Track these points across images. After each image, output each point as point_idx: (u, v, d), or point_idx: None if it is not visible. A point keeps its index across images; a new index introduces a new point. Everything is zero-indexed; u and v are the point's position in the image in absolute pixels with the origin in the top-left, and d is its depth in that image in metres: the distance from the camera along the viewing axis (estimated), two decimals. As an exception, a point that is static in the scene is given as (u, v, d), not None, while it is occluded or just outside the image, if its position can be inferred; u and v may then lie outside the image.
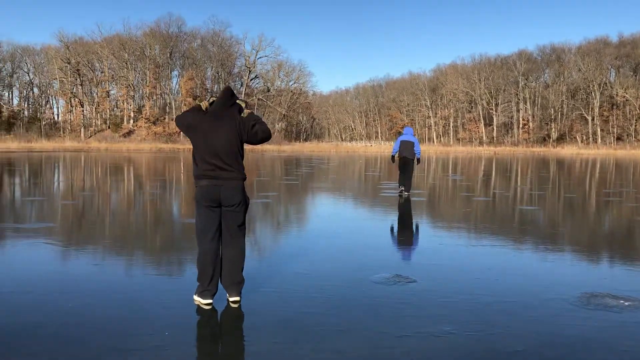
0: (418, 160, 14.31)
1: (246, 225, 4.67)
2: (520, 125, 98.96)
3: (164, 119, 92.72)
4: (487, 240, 7.78)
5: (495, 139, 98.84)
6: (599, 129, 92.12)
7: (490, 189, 17.50)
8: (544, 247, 7.40)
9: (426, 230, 8.98)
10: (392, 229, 8.96)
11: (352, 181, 20.84)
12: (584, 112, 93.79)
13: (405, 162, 14.17)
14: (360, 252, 6.77)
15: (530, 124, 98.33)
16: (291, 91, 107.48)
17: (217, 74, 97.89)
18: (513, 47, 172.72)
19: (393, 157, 14.85)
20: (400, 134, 15.08)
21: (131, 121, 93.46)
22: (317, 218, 10.51)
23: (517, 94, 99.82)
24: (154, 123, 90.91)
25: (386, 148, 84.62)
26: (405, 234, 8.57)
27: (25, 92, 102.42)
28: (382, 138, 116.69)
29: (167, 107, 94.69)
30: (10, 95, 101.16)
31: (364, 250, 6.89)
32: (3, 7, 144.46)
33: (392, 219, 10.39)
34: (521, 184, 19.81)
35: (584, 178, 23.54)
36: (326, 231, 8.51)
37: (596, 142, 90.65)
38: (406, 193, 14.17)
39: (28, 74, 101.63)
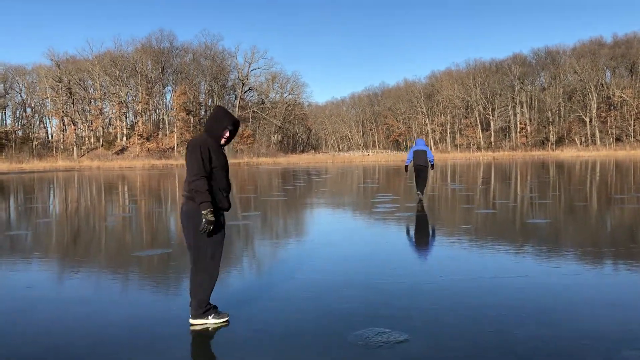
0: (432, 166, 15.69)
1: (200, 252, 4.56)
2: (518, 129, 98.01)
3: (158, 134, 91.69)
4: (495, 266, 6.54)
5: (493, 143, 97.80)
6: (597, 131, 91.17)
7: (494, 198, 16.28)
8: (577, 280, 6.15)
9: (423, 258, 7.71)
10: (381, 258, 7.69)
11: (345, 195, 19.61)
12: (581, 114, 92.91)
13: (420, 170, 15.45)
14: (340, 292, 5.52)
15: (528, 128, 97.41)
16: (286, 103, 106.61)
17: (211, 87, 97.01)
18: (507, 52, 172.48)
19: (406, 167, 16.20)
20: (413, 145, 15.91)
21: (124, 138, 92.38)
22: (296, 245, 9.20)
23: (513, 98, 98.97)
24: (147, 139, 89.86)
25: (384, 157, 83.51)
26: (398, 265, 7.25)
27: (18, 112, 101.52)
28: (379, 147, 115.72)
29: (161, 123, 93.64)
30: (4, 116, 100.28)
31: (345, 290, 5.63)
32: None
33: (383, 243, 9.12)
34: (524, 191, 18.58)
35: (587, 181, 22.30)
36: (304, 263, 7.24)
37: (595, 143, 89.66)
38: (421, 195, 15.55)
39: (20, 94, 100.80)
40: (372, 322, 4.48)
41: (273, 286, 5.87)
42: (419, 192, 15.57)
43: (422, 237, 9.59)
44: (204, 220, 4.35)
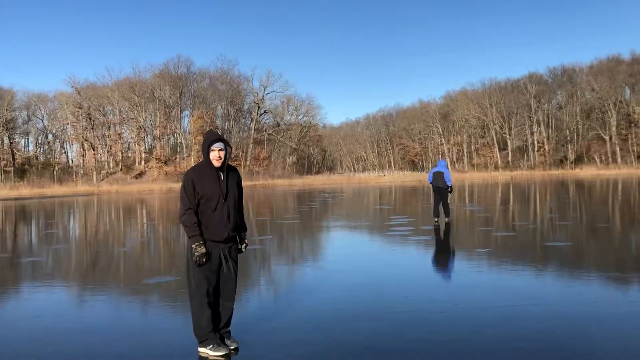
0: (450, 188, 15.59)
1: (188, 283, 4.59)
2: (536, 148, 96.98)
3: (175, 158, 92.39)
4: (514, 293, 6.27)
5: (510, 163, 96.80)
6: (617, 148, 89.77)
7: (513, 220, 15.94)
8: (600, 309, 5.87)
9: (438, 284, 7.43)
10: (394, 284, 7.44)
11: (359, 218, 19.37)
12: (600, 132, 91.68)
13: (439, 191, 15.54)
14: (350, 323, 5.29)
15: (546, 147, 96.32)
16: (301, 125, 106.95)
17: (227, 111, 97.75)
18: (523, 70, 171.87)
19: (431, 183, 15.99)
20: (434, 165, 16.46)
21: (143, 162, 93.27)
22: (307, 271, 8.98)
23: (530, 117, 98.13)
24: (165, 163, 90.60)
25: (399, 177, 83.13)
26: (411, 292, 6.97)
27: (40, 138, 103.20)
28: (395, 167, 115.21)
29: (178, 147, 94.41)
30: (26, 142, 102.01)
31: (355, 321, 5.39)
32: (17, 57, 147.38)
33: (396, 268, 8.87)
34: (544, 212, 18.18)
35: (609, 201, 21.78)
36: (314, 291, 7.03)
37: (616, 161, 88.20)
38: (446, 219, 15.51)
39: (42, 120, 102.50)
40: (382, 357, 4.25)
41: (280, 315, 5.67)
42: (436, 220, 15.28)
43: (437, 262, 9.33)
44: (195, 253, 4.38)
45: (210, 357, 4.41)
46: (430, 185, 15.90)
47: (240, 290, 7.07)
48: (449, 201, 15.90)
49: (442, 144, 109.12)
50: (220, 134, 4.63)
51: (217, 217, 4.44)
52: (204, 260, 4.37)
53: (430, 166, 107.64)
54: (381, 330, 5.01)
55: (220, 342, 4.53)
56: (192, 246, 4.38)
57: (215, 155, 4.46)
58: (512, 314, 5.43)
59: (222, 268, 4.55)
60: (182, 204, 4.43)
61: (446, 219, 15.51)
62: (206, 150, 4.48)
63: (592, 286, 6.70)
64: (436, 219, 15.29)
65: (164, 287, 7.47)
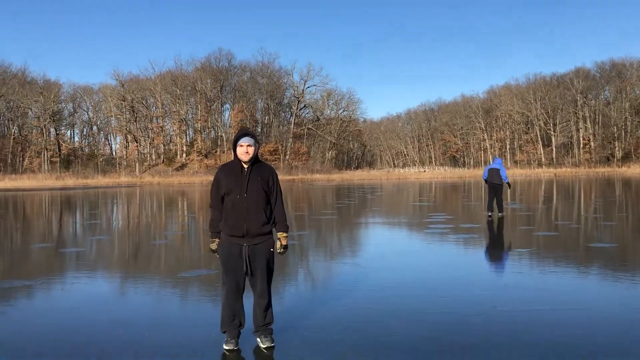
0: (508, 184, 16.59)
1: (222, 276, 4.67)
2: (581, 145, 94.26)
3: (216, 151, 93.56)
4: (555, 296, 6.08)
5: (554, 160, 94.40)
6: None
7: (555, 219, 15.52)
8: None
9: (475, 285, 7.25)
10: (430, 284, 7.31)
11: (398, 215, 19.21)
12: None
13: (494, 187, 16.07)
14: (385, 323, 5.22)
15: (592, 144, 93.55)
16: (341, 119, 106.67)
17: (267, 105, 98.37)
18: (569, 65, 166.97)
19: (486, 180, 16.55)
20: (488, 163, 17.01)
21: (184, 155, 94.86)
22: (343, 269, 8.92)
23: (575, 113, 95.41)
24: (206, 156, 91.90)
25: (440, 174, 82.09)
26: (448, 292, 6.84)
27: (85, 130, 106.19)
28: (436, 163, 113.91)
29: (219, 140, 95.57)
30: (72, 134, 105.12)
31: (390, 320, 5.33)
32: (64, 50, 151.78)
33: (433, 267, 8.74)
34: (589, 211, 17.64)
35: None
36: (349, 290, 6.98)
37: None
38: (500, 214, 15.92)
39: (87, 112, 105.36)
40: (415, 359, 4.18)
41: (313, 313, 5.64)
42: (490, 214, 15.90)
43: (476, 262, 9.14)
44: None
45: (224, 349, 4.55)
46: (485, 182, 16.55)
47: (278, 286, 7.08)
48: (502, 198, 16.41)
49: (484, 140, 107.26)
50: (250, 129, 4.63)
51: (236, 212, 4.46)
52: (217, 255, 4.61)
53: (472, 162, 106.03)
54: (415, 332, 4.93)
55: (234, 336, 4.58)
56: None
57: (243, 150, 4.48)
58: (552, 318, 5.27)
59: (244, 265, 4.53)
60: (210, 199, 4.65)
61: (499, 214, 15.96)
62: (235, 144, 4.53)
63: (637, 291, 6.44)
64: (490, 214, 15.89)
65: (203, 280, 7.55)
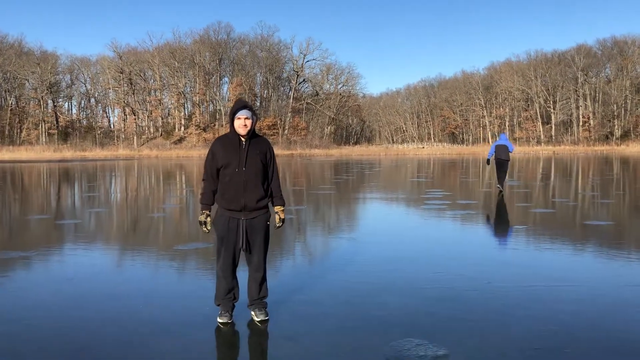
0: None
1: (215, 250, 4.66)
2: (581, 123, 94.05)
3: (214, 125, 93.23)
4: (550, 273, 6.10)
5: (554, 137, 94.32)
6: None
7: (553, 196, 15.55)
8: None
9: (471, 261, 7.27)
10: (425, 260, 7.33)
11: (396, 190, 19.22)
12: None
13: (501, 163, 16.43)
14: (379, 297, 5.25)
15: (591, 122, 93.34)
16: (340, 94, 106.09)
17: (266, 79, 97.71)
18: (570, 42, 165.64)
19: (488, 160, 17.11)
20: (495, 139, 17.57)
21: (182, 128, 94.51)
22: (339, 243, 8.93)
23: (576, 91, 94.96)
24: (204, 129, 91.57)
25: (439, 150, 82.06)
26: (443, 268, 6.86)
27: (83, 102, 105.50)
28: (434, 139, 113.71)
29: (217, 114, 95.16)
30: (70, 106, 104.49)
31: (384, 295, 5.35)
32: (60, 21, 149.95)
33: (429, 243, 8.77)
34: (586, 189, 17.67)
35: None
36: (344, 264, 7.00)
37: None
38: (499, 187, 16.51)
39: (85, 84, 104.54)
40: (410, 333, 4.20)
41: (308, 287, 5.66)
42: (499, 186, 16.56)
43: (472, 238, 9.16)
44: (199, 219, 4.61)
45: (218, 322, 4.55)
46: (491, 159, 16.97)
47: (273, 260, 7.09)
48: (507, 173, 16.93)
49: (483, 117, 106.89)
50: (248, 102, 4.53)
51: (234, 186, 4.41)
52: (205, 228, 4.52)
53: (471, 139, 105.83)
54: (410, 306, 4.95)
55: (228, 309, 4.57)
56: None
57: (241, 123, 4.38)
58: (546, 294, 5.29)
59: (240, 239, 4.51)
60: (204, 172, 4.57)
61: (499, 187, 16.60)
62: (232, 116, 4.43)
63: (632, 269, 6.47)
64: (499, 186, 16.56)
65: (199, 253, 7.56)
